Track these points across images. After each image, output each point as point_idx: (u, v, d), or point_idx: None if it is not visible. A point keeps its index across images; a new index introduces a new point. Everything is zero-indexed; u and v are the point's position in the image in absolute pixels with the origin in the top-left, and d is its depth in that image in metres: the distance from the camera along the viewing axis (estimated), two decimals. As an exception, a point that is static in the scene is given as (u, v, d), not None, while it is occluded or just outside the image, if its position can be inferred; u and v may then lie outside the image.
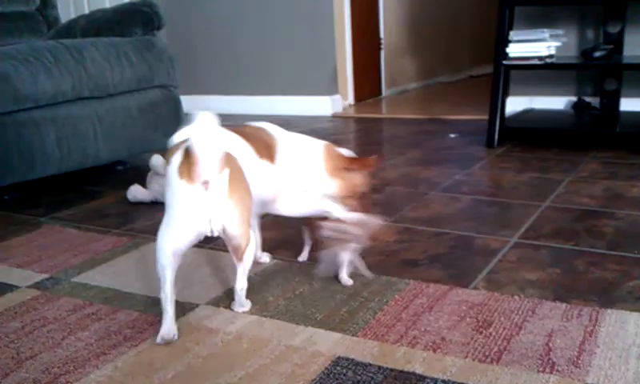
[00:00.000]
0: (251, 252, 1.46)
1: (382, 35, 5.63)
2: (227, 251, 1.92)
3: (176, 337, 1.39)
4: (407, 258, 1.79)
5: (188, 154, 1.28)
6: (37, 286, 1.73)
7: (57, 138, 2.49)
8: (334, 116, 4.72)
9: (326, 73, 4.78)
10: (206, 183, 1.29)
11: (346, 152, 1.72)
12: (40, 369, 1.30)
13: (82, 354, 1.35)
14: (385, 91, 5.76)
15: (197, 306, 1.56)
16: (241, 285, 1.48)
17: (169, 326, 1.39)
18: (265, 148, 1.62)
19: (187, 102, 3.65)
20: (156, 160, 2.55)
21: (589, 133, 3.18)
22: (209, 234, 1.36)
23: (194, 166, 1.27)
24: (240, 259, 1.44)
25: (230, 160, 1.36)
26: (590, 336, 1.31)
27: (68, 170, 2.59)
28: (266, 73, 4.95)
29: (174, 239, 1.34)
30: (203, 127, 1.29)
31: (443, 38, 6.54)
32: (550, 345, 1.28)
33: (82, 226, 2.28)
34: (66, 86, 2.51)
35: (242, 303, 1.53)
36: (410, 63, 6.17)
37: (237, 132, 1.60)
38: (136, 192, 2.52)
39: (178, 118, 3.05)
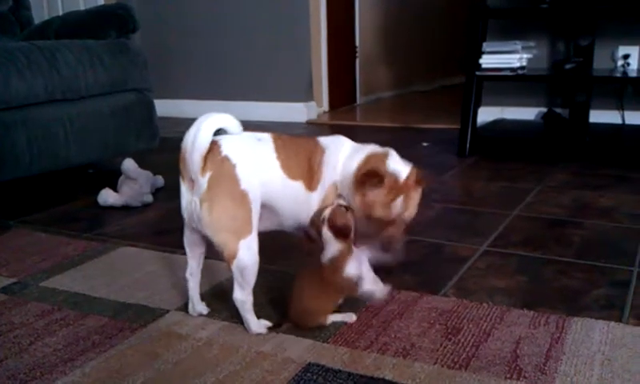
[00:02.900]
0: (242, 266, 1.37)
1: (357, 43, 5.66)
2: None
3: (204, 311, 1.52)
4: (384, 267, 1.80)
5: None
6: (4, 290, 1.71)
7: (27, 139, 2.45)
8: (309, 123, 4.73)
9: (301, 80, 4.79)
10: (190, 182, 1.38)
11: (396, 164, 1.43)
12: (6, 375, 1.27)
13: (50, 360, 1.33)
14: (359, 99, 5.79)
15: (167, 311, 1.55)
16: (235, 295, 1.41)
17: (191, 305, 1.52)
18: (297, 167, 1.44)
19: (161, 106, 3.62)
20: (128, 164, 2.53)
21: (558, 144, 3.24)
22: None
23: (180, 164, 1.39)
24: (228, 267, 1.39)
25: (219, 164, 1.36)
26: (557, 343, 1.33)
27: (38, 173, 2.55)
28: (241, 78, 4.94)
29: (184, 229, 1.48)
30: (200, 126, 1.37)
31: (418, 48, 6.60)
32: (518, 351, 1.30)
33: (52, 229, 2.25)
34: (38, 87, 2.48)
35: (247, 321, 1.42)
36: (384, 72, 6.21)
37: (275, 147, 1.45)
38: (107, 196, 2.50)
39: (151, 122, 3.03)
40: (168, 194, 2.69)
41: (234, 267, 1.38)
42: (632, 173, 2.83)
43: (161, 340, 1.40)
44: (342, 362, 1.28)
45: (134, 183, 2.52)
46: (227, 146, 1.39)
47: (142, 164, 2.62)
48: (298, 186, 1.44)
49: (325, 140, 1.50)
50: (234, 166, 1.36)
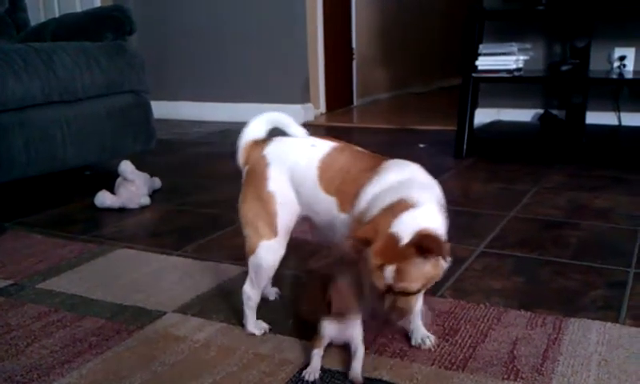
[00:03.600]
0: (257, 265, 1.37)
1: (354, 45, 5.66)
2: (194, 258, 1.92)
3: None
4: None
5: None
6: (0, 292, 1.70)
7: (24, 142, 2.45)
8: (306, 124, 4.73)
9: (298, 81, 4.79)
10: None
11: (408, 223, 1.13)
12: (2, 377, 1.27)
13: (47, 362, 1.33)
14: (356, 101, 5.79)
15: (164, 313, 1.54)
16: (244, 287, 1.40)
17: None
18: (335, 181, 1.31)
19: (158, 108, 3.63)
20: (125, 166, 2.53)
21: (555, 145, 3.24)
22: None
23: None
24: (246, 259, 1.40)
25: (256, 160, 1.39)
26: (554, 344, 1.34)
27: (35, 175, 2.55)
28: (237, 80, 4.94)
29: None
30: (251, 120, 1.44)
31: (414, 50, 6.61)
32: (515, 352, 1.30)
33: (49, 231, 2.24)
34: (34, 89, 2.47)
35: (246, 318, 1.42)
36: (381, 73, 6.22)
37: (323, 156, 1.35)
38: (104, 198, 2.49)
39: (148, 124, 3.03)
40: (165, 196, 2.69)
41: (250, 262, 1.38)
42: (628, 174, 2.84)
43: (158, 342, 1.40)
44: (339, 363, 1.28)
45: (131, 185, 2.52)
46: (271, 145, 1.40)
47: (139, 166, 2.62)
48: (330, 201, 1.31)
49: (388, 164, 1.29)
50: (266, 165, 1.37)
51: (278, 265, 1.40)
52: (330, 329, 1.28)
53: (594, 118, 3.57)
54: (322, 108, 5.25)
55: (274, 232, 1.36)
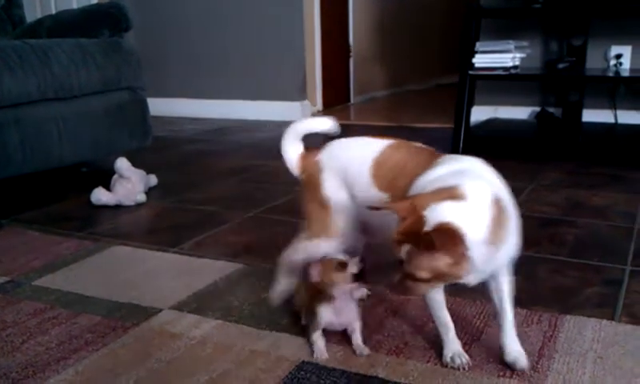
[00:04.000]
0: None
1: (351, 43, 5.66)
2: (190, 255, 1.92)
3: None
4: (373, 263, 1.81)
5: None
6: (-4, 289, 1.70)
7: (20, 139, 2.44)
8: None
9: (295, 79, 4.79)
10: None
11: (443, 213, 1.07)
12: (-2, 373, 1.27)
13: (42, 359, 1.33)
14: (353, 98, 5.79)
15: (160, 310, 1.54)
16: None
17: None
18: (387, 177, 1.29)
19: (155, 105, 3.62)
20: (121, 163, 2.53)
21: (551, 143, 3.25)
22: None
23: None
24: None
25: (310, 166, 1.41)
26: (550, 341, 1.34)
27: (31, 172, 2.54)
28: (235, 77, 4.93)
29: None
30: (286, 132, 1.46)
31: (411, 47, 6.61)
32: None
33: (45, 228, 2.24)
34: (30, 86, 2.46)
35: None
36: (378, 71, 6.22)
37: (378, 152, 1.33)
38: (100, 195, 2.49)
39: (144, 121, 3.02)
40: (161, 193, 2.69)
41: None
42: (625, 172, 2.84)
43: (154, 339, 1.40)
44: (335, 360, 1.28)
45: (127, 182, 2.51)
46: (326, 150, 1.41)
47: (135, 163, 2.62)
48: (384, 198, 1.28)
49: (445, 158, 1.25)
50: (320, 171, 1.38)
51: None
52: (326, 314, 1.31)
53: (590, 115, 3.58)
54: (319, 105, 5.25)
55: (330, 233, 1.38)
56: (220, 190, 2.71)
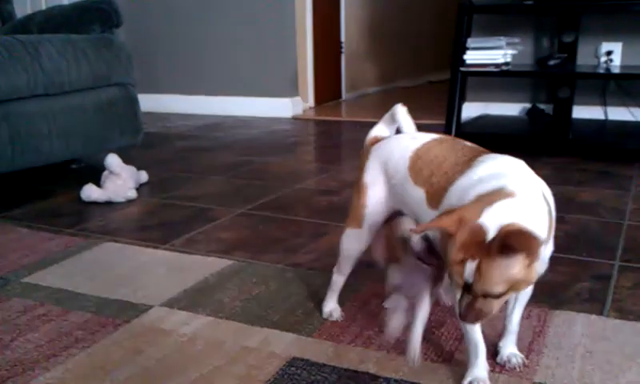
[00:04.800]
0: (340, 249, 1.42)
1: (342, 39, 5.66)
2: (181, 252, 1.92)
3: None
4: (364, 260, 1.81)
5: None
6: (-14, 286, 1.69)
7: (10, 135, 2.43)
8: (294, 118, 4.73)
9: (286, 75, 4.78)
10: None
11: (500, 216, 0.98)
12: (-13, 371, 1.27)
13: (32, 356, 1.32)
14: (345, 94, 5.79)
15: (151, 307, 1.54)
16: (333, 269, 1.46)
17: None
18: (424, 172, 1.22)
19: (146, 101, 3.61)
20: (111, 159, 2.52)
21: (542, 139, 3.26)
22: None
23: None
24: None
25: (365, 154, 1.40)
26: (539, 336, 1.35)
27: (21, 168, 2.53)
28: (226, 73, 4.92)
29: None
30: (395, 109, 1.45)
31: (403, 44, 6.61)
32: (500, 345, 1.31)
33: (34, 225, 2.23)
34: (20, 82, 2.45)
35: (325, 301, 1.48)
36: (370, 67, 6.22)
37: (419, 146, 1.28)
38: (90, 191, 2.48)
39: (135, 117, 3.01)
40: (152, 190, 2.68)
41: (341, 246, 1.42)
42: (614, 168, 2.86)
43: (144, 336, 1.40)
44: (326, 356, 1.28)
45: (118, 178, 2.51)
46: (383, 140, 1.40)
47: (126, 159, 2.61)
48: (418, 193, 1.22)
49: (485, 157, 1.15)
50: (367, 159, 1.37)
51: (358, 255, 1.40)
52: (395, 276, 1.28)
53: (581, 112, 3.60)
54: (311, 102, 5.25)
55: (359, 222, 1.36)
56: (211, 187, 2.71)
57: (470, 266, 0.98)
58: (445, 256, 1.05)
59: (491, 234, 0.97)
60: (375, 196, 1.34)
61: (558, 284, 1.62)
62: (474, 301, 1.01)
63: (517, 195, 1.00)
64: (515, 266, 0.97)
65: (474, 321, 1.06)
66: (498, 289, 0.98)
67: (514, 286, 0.99)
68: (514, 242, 0.94)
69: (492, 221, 0.97)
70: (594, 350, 1.28)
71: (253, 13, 4.73)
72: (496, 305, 1.02)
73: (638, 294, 1.56)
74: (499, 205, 0.99)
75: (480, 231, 0.97)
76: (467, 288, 1.01)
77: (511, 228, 0.95)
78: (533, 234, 0.96)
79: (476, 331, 1.16)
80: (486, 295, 0.99)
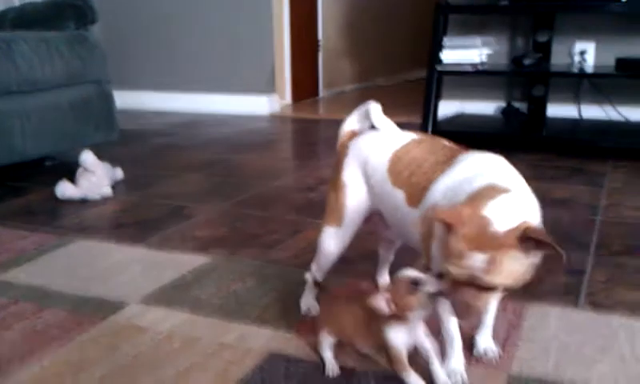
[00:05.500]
0: (318, 246, 1.42)
1: (320, 36, 5.66)
2: (157, 249, 1.90)
3: None
4: (342, 256, 1.81)
5: None
6: (-42, 284, 1.67)
7: (-18, 132, 2.40)
8: (271, 115, 4.72)
9: (263, 72, 4.77)
10: None
11: (504, 210, 0.99)
12: (-40, 370, 1.25)
13: (6, 354, 1.30)
14: (322, 92, 5.79)
15: (127, 304, 1.53)
16: (311, 265, 1.46)
17: None
18: (402, 173, 1.23)
19: (121, 97, 3.57)
20: (86, 156, 2.49)
21: (517, 136, 3.29)
22: None
23: None
24: None
25: (342, 150, 1.40)
26: (514, 329, 1.36)
27: (-7, 166, 2.50)
28: (202, 70, 4.90)
29: None
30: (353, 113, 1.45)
31: (380, 42, 6.63)
32: (476, 338, 1.32)
33: (8, 223, 2.20)
34: (-8, 79, 2.42)
35: (303, 296, 1.48)
36: (347, 65, 6.23)
37: (399, 147, 1.28)
38: (65, 189, 2.45)
39: (110, 114, 2.99)
40: (127, 187, 2.66)
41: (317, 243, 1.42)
42: (588, 165, 2.90)
43: (120, 333, 1.39)
44: (304, 352, 1.29)
45: (92, 175, 2.48)
46: (360, 137, 1.39)
47: (101, 156, 2.58)
48: (397, 194, 1.23)
49: (466, 156, 1.17)
50: (345, 156, 1.37)
51: (338, 253, 1.40)
52: (398, 337, 1.13)
53: (555, 110, 3.64)
54: (288, 99, 5.24)
55: (338, 220, 1.37)
56: (187, 184, 2.70)
57: (480, 258, 0.96)
58: (429, 252, 1.10)
59: (500, 226, 0.96)
60: (355, 194, 1.35)
61: (533, 278, 1.64)
62: (466, 295, 1.01)
63: (512, 191, 1.02)
64: (527, 262, 0.99)
65: (462, 317, 1.06)
66: (505, 282, 0.99)
67: (515, 282, 1.00)
68: (540, 236, 0.96)
69: (497, 215, 0.97)
70: (569, 343, 1.30)
71: (230, 9, 4.71)
72: (489, 300, 1.03)
73: (610, 288, 1.58)
74: (500, 199, 1.00)
75: (488, 223, 0.97)
76: (463, 283, 1.00)
77: (531, 224, 0.97)
78: (547, 235, 0.97)
79: (453, 324, 1.18)
80: (486, 288, 0.99)
